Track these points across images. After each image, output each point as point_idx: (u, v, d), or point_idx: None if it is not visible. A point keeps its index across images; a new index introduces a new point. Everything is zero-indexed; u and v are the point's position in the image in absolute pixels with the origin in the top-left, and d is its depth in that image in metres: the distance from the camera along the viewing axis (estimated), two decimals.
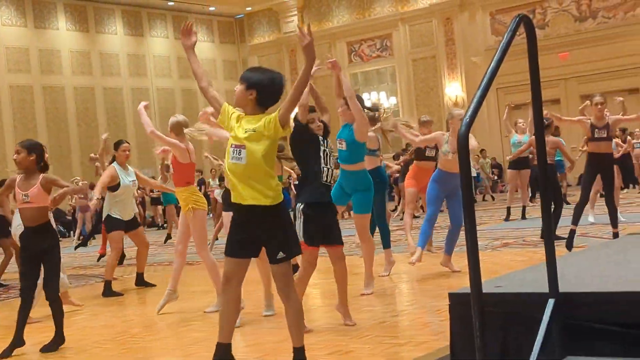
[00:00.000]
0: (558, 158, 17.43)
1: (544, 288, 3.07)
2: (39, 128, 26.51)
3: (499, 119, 26.43)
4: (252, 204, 4.58)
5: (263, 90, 4.70)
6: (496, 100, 26.21)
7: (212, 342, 6.23)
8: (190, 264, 12.86)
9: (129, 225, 10.30)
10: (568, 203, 18.32)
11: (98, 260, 14.53)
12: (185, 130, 7.79)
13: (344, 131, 7.68)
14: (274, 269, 4.67)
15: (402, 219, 13.66)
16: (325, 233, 6.16)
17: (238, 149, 4.63)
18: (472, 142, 8.20)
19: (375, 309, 6.91)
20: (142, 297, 9.72)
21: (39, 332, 7.07)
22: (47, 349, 6.40)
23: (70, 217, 24.04)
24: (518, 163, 14.85)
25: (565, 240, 9.43)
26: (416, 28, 28.58)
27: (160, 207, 23.11)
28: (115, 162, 10.17)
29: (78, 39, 28.31)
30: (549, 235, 3.16)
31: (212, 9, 31.85)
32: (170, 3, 30.57)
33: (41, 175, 6.47)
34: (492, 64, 2.81)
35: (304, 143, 6.22)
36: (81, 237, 20.66)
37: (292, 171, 10.68)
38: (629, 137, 17.88)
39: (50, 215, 6.88)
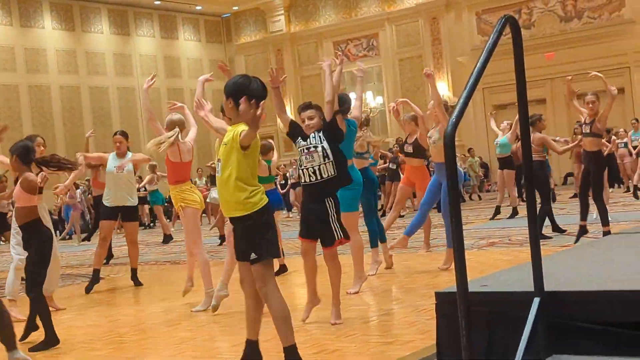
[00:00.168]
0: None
1: (530, 287, 3.08)
2: (25, 127, 26.38)
3: (485, 118, 26.50)
4: (230, 215, 4.80)
5: (239, 94, 4.76)
6: (482, 100, 26.31)
7: (199, 342, 6.27)
8: (176, 263, 12.87)
9: (124, 215, 10.33)
10: (554, 200, 18.45)
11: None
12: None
13: None
14: (252, 269, 4.75)
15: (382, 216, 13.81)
16: (309, 230, 6.30)
17: (218, 162, 4.79)
18: None
19: (362, 308, 6.93)
20: (129, 297, 9.70)
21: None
22: (37, 348, 6.39)
23: (56, 217, 23.95)
24: (502, 163, 15.12)
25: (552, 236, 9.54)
26: (402, 28, 28.63)
27: (147, 207, 23.03)
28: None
29: (64, 38, 28.22)
30: (533, 234, 3.18)
31: (198, 8, 31.81)
32: (157, 2, 30.51)
33: (23, 175, 6.47)
34: (478, 65, 2.82)
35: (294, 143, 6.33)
36: (70, 236, 20.69)
37: (278, 170, 10.72)
38: (613, 137, 17.95)
39: (45, 213, 6.92)
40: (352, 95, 25.14)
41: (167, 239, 17.13)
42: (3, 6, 26.71)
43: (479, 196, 23.93)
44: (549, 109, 25.39)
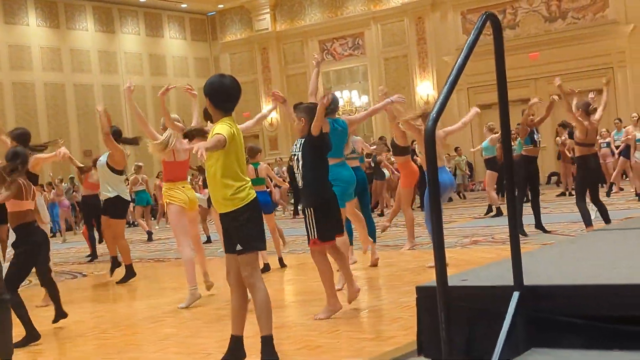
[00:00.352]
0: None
1: (509, 282, 3.12)
2: (9, 124, 26.07)
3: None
4: (219, 211, 4.97)
5: (212, 95, 4.88)
6: (467, 100, 26.36)
7: (183, 338, 6.28)
8: (160, 261, 12.88)
9: (106, 209, 10.59)
10: (529, 200, 18.50)
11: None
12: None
13: None
14: (238, 260, 4.88)
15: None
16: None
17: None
18: None
19: (345, 305, 6.95)
20: (114, 294, 9.70)
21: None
22: (17, 345, 6.39)
23: None
24: (486, 164, 15.47)
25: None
26: (388, 27, 28.69)
27: (131, 204, 22.97)
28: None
29: (48, 35, 28.11)
30: (513, 230, 3.21)
31: (184, 6, 31.77)
32: (142, 0, 30.45)
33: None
34: (458, 60, 2.85)
35: None
36: (54, 234, 20.60)
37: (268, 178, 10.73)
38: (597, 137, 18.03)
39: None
40: (337, 94, 25.29)
41: (149, 235, 17.50)
42: None
43: (464, 195, 24.01)
44: (533, 108, 25.43)
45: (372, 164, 19.09)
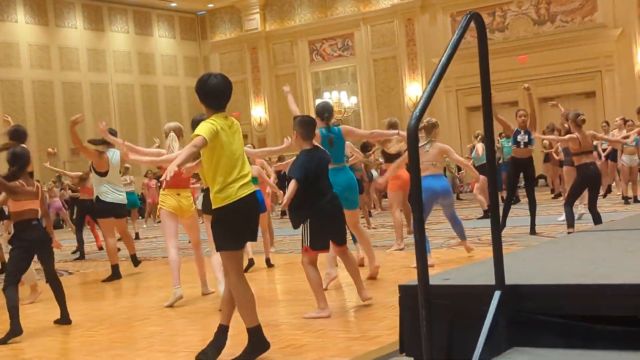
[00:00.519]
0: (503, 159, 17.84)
1: (491, 281, 3.13)
2: None
3: (458, 120, 26.69)
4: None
5: (200, 93, 5.03)
6: (455, 102, 26.45)
7: (167, 336, 6.28)
8: (147, 259, 12.86)
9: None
10: (518, 200, 18.66)
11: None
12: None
13: None
14: None
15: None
16: None
17: None
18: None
19: (330, 304, 6.94)
20: (99, 292, 9.68)
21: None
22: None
23: None
24: (477, 169, 15.46)
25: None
26: (377, 28, 28.73)
27: None
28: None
29: (37, 32, 28.02)
30: (496, 229, 3.23)
31: (173, 5, 31.73)
32: None
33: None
34: (442, 60, 2.86)
35: None
36: None
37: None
38: None
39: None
40: (326, 95, 25.29)
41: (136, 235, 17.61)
42: None
43: (457, 196, 24.02)
44: (520, 109, 25.52)
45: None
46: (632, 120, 17.07)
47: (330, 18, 29.61)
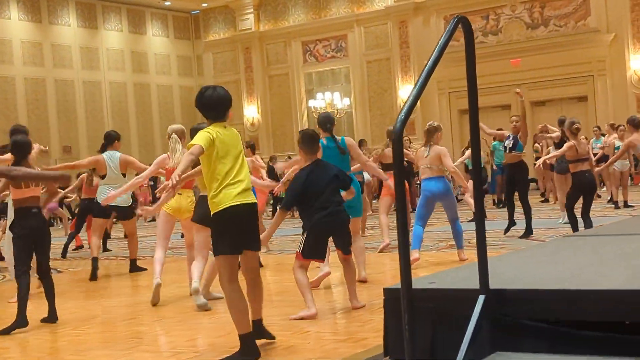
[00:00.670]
0: (498, 162, 17.94)
1: (476, 285, 3.12)
2: None
3: (450, 123, 26.70)
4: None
5: (198, 105, 5.22)
6: (448, 105, 26.48)
7: (154, 336, 6.27)
8: (137, 259, 12.79)
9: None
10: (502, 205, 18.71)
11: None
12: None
13: None
14: None
15: None
16: None
17: None
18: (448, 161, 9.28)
19: (318, 305, 6.94)
20: (88, 291, 9.64)
21: None
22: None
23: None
24: (470, 174, 15.75)
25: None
26: (371, 30, 28.73)
27: None
28: (117, 151, 10.66)
29: (30, 29, 27.94)
30: (480, 233, 3.22)
31: (167, 3, 31.68)
32: None
33: None
34: (428, 64, 2.86)
35: None
36: None
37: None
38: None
39: None
40: (319, 95, 25.36)
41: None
42: None
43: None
44: (513, 114, 25.57)
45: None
46: (623, 126, 17.12)
47: (324, 19, 29.60)
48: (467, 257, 9.24)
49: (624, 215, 13.59)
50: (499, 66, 25.48)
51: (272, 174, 20.04)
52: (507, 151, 11.59)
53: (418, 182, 19.45)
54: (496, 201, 19.58)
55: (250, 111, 31.10)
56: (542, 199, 19.87)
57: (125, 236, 17.09)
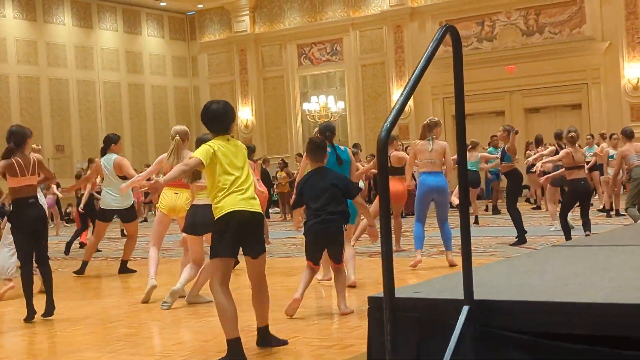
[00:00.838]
0: (494, 170, 17.99)
1: (461, 295, 3.11)
2: None
3: (445, 128, 26.66)
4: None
5: (203, 119, 5.46)
6: (442, 110, 26.48)
7: (140, 339, 6.24)
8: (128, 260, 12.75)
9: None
10: (500, 212, 18.80)
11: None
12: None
13: None
14: None
15: None
16: None
17: None
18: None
19: (306, 311, 6.93)
20: (75, 292, 9.60)
21: None
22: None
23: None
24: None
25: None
26: (367, 34, 28.74)
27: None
28: (115, 153, 10.73)
29: (25, 28, 27.88)
30: (465, 242, 3.21)
31: (163, 4, 31.64)
32: None
33: None
34: (415, 72, 2.84)
35: None
36: None
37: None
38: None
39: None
40: (314, 99, 25.52)
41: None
42: None
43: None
44: (507, 121, 25.56)
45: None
46: (617, 134, 17.14)
47: (320, 22, 29.59)
48: (457, 263, 9.22)
49: (616, 224, 13.61)
50: (493, 72, 25.52)
51: (265, 177, 20.03)
52: (500, 161, 11.96)
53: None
54: (490, 207, 19.59)
55: (245, 113, 31.07)
56: (534, 205, 19.89)
57: (123, 234, 17.19)
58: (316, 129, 9.31)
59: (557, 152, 12.09)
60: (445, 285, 3.52)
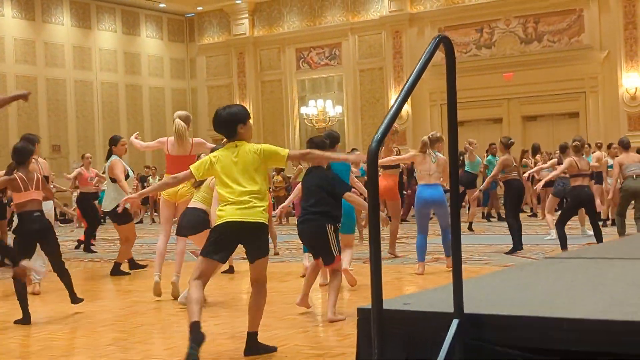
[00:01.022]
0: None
1: (451, 308, 3.08)
2: None
3: (443, 134, 26.68)
4: None
5: (214, 125, 5.53)
6: (440, 116, 26.46)
7: (131, 343, 6.20)
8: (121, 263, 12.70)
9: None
10: (491, 217, 18.79)
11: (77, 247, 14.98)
12: None
13: None
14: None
15: None
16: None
17: None
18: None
19: (298, 318, 6.90)
20: (65, 294, 9.53)
21: None
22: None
23: None
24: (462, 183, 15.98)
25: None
26: (365, 39, 28.73)
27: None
28: (116, 155, 10.72)
29: (23, 27, 27.84)
30: (457, 255, 3.18)
31: (162, 5, 31.61)
32: None
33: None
34: (407, 84, 2.81)
35: None
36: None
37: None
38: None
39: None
40: (312, 103, 25.66)
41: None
42: None
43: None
44: (505, 128, 25.65)
45: None
46: (615, 144, 17.13)
47: (319, 27, 29.59)
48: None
49: (612, 233, 13.58)
50: (491, 80, 25.53)
51: None
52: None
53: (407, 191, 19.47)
54: (486, 214, 19.60)
55: None
56: (530, 213, 19.88)
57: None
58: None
59: (559, 164, 12.23)
60: (435, 298, 3.49)
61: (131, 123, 30.78)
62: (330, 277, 6.96)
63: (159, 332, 6.70)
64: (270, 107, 30.72)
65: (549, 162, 14.13)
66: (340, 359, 5.26)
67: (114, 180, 10.55)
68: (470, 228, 15.90)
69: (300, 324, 6.66)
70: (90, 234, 14.66)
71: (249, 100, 30.86)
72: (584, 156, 11.25)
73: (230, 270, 10.36)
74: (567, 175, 11.22)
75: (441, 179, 9.79)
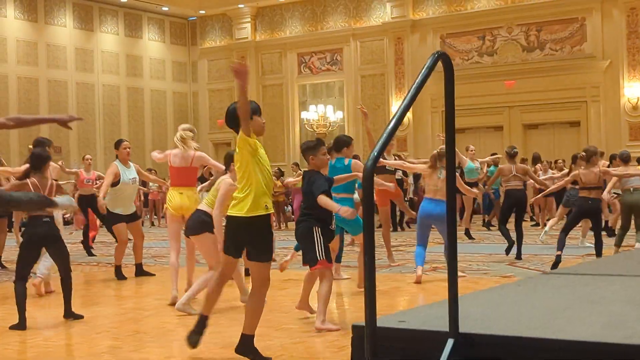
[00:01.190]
0: (496, 187, 17.98)
1: (447, 327, 3.04)
2: None
3: (443, 141, 26.67)
4: None
5: (226, 120, 5.69)
6: (441, 123, 26.39)
7: (125, 352, 6.16)
8: (124, 266, 12.66)
9: (129, 218, 10.90)
10: (490, 226, 18.75)
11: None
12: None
13: None
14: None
15: None
16: None
17: None
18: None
19: (293, 328, 6.86)
20: (61, 300, 9.49)
21: None
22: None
23: None
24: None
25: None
26: (367, 45, 28.70)
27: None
28: (117, 159, 10.77)
29: (26, 28, 27.82)
30: (452, 273, 3.14)
31: (165, 8, 31.59)
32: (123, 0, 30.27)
33: None
34: (405, 101, 2.78)
35: None
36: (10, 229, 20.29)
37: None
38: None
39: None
40: (312, 108, 25.68)
41: None
42: None
43: None
44: (506, 136, 25.63)
45: None
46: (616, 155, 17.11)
47: (321, 32, 29.57)
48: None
49: (611, 244, 13.54)
50: (493, 87, 25.51)
51: None
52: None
53: (407, 199, 19.44)
54: (486, 222, 19.56)
55: None
56: (532, 223, 19.85)
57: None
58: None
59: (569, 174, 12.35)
60: (430, 315, 3.45)
61: (132, 126, 30.76)
62: (320, 284, 6.88)
63: (153, 341, 6.63)
64: (270, 111, 30.66)
65: (560, 173, 14.43)
66: None
67: (114, 184, 10.59)
68: (469, 236, 15.85)
69: (297, 334, 6.62)
70: (86, 234, 14.81)
71: None
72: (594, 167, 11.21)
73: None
74: (577, 187, 11.38)
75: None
